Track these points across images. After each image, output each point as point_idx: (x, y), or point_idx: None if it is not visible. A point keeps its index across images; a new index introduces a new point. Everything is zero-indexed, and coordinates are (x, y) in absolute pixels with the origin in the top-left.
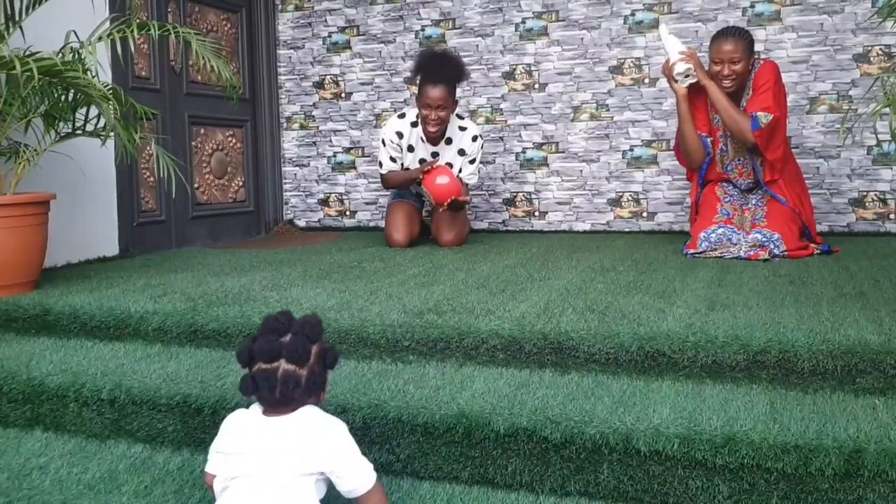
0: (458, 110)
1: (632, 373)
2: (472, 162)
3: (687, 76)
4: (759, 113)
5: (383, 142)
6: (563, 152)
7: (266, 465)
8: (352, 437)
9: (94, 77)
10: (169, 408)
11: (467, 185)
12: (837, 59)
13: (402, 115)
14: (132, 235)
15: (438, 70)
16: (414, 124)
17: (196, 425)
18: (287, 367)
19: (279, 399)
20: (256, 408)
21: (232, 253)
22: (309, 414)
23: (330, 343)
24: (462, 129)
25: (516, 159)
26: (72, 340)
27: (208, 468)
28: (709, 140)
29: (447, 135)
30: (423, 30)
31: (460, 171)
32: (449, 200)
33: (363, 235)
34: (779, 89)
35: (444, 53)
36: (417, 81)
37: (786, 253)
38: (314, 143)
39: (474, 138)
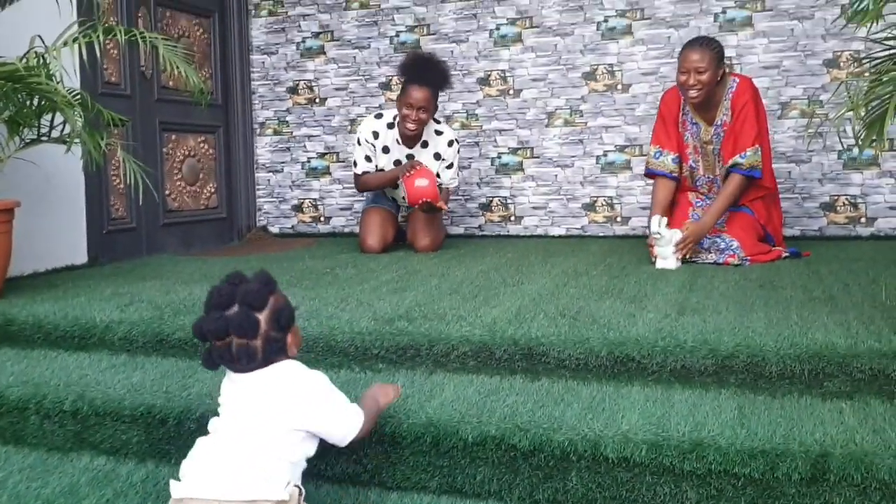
0: (441, 118)
1: (602, 378)
2: (449, 167)
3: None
4: (737, 160)
5: (358, 141)
6: (537, 157)
7: (249, 414)
8: (333, 386)
9: (58, 82)
10: (133, 419)
11: (448, 189)
12: (808, 65)
13: (380, 116)
14: (101, 243)
15: (424, 72)
16: (391, 126)
17: (160, 436)
18: (239, 341)
19: (243, 368)
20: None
21: (203, 261)
22: (286, 369)
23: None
24: (438, 133)
25: (492, 164)
26: (35, 351)
27: None
28: (677, 157)
29: (423, 137)
30: (397, 35)
31: (438, 175)
32: (421, 202)
33: (338, 241)
34: (760, 115)
35: (432, 57)
36: (402, 80)
37: (748, 259)
38: (288, 148)
39: (450, 143)
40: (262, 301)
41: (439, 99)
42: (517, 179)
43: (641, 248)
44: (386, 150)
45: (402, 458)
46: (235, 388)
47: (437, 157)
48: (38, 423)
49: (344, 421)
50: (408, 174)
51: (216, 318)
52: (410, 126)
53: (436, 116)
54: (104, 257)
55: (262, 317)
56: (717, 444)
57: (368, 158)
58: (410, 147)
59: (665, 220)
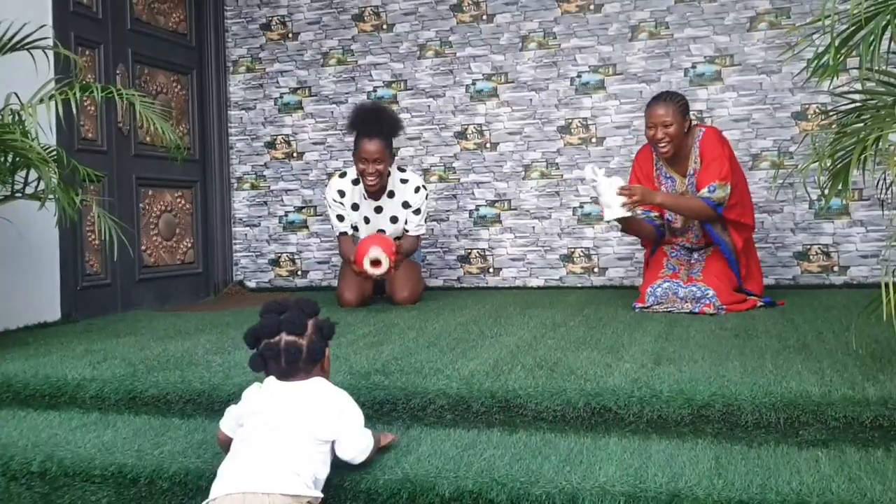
0: (406, 166)
1: (579, 430)
2: (417, 213)
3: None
4: (704, 193)
5: (328, 203)
6: (515, 209)
7: (284, 420)
8: (357, 406)
9: (33, 139)
10: (103, 479)
11: (417, 237)
12: (777, 117)
13: (343, 174)
14: (76, 299)
15: (373, 124)
16: (355, 182)
17: (131, 497)
18: (288, 338)
19: (285, 369)
20: (271, 379)
21: (178, 316)
22: (319, 384)
23: None
24: (404, 181)
25: (470, 217)
26: (3, 410)
27: (223, 426)
28: (653, 215)
29: (389, 188)
30: (374, 90)
31: (406, 222)
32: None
33: (315, 295)
34: (729, 155)
35: (378, 107)
36: (353, 136)
37: (723, 308)
38: (265, 202)
39: (417, 189)
40: (312, 310)
41: (415, 152)
42: (495, 231)
43: (619, 298)
44: (355, 207)
45: None
46: (270, 397)
47: (406, 205)
48: (5, 485)
49: (362, 439)
50: (355, 260)
51: (270, 318)
52: (370, 180)
53: (400, 165)
54: (78, 314)
55: (310, 322)
56: (694, 495)
57: (341, 217)
58: (377, 199)
59: (602, 169)
